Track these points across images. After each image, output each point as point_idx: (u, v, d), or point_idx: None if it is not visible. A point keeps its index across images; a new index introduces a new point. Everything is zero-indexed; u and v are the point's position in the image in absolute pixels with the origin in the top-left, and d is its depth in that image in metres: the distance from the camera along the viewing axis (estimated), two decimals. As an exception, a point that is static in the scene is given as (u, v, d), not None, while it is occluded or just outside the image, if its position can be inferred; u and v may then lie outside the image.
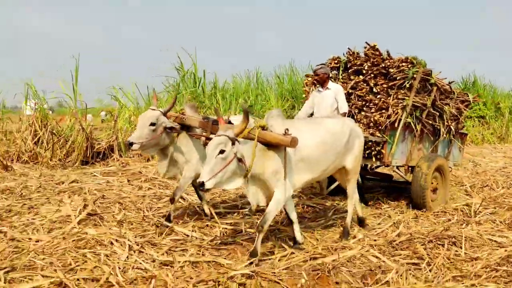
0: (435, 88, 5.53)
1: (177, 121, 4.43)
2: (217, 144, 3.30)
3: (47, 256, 3.52)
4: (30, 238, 3.92)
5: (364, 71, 5.52)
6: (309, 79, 6.21)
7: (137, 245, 3.83)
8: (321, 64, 5.28)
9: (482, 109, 15.79)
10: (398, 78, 5.23)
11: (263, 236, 3.66)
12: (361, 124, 5.34)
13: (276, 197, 3.62)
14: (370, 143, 5.20)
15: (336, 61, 5.84)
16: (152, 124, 4.27)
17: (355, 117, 5.46)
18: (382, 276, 3.40)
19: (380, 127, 5.21)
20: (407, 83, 5.20)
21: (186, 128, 4.48)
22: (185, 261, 3.53)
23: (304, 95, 6.40)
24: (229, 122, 3.79)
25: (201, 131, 4.27)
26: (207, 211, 4.89)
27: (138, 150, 4.43)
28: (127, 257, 3.57)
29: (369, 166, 5.52)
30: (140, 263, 3.46)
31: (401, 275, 3.39)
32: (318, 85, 5.36)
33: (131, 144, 4.22)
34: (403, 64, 5.25)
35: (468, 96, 6.41)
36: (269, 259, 3.70)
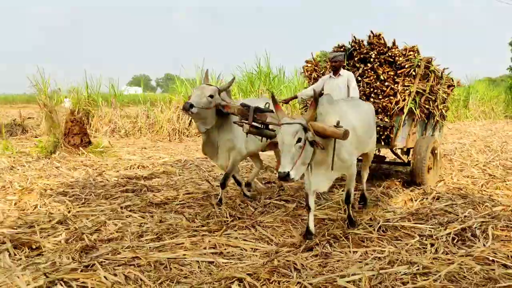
0: (433, 74, 5.91)
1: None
2: (295, 132, 3.29)
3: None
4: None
5: (371, 59, 5.75)
6: (309, 65, 6.38)
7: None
8: (337, 51, 5.44)
9: (443, 95, 17.78)
10: (406, 66, 5.53)
11: (351, 206, 4.34)
12: (370, 110, 5.59)
13: (349, 175, 4.12)
14: (378, 128, 5.47)
15: (342, 49, 6.02)
16: (211, 96, 4.22)
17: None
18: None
19: (388, 113, 5.51)
20: (413, 70, 5.53)
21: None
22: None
23: (306, 82, 6.56)
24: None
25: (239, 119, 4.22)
26: (247, 193, 5.04)
27: (193, 115, 4.19)
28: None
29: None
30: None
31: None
32: (330, 72, 5.53)
33: (191, 106, 4.07)
34: (411, 53, 5.56)
35: (453, 80, 6.89)
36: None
